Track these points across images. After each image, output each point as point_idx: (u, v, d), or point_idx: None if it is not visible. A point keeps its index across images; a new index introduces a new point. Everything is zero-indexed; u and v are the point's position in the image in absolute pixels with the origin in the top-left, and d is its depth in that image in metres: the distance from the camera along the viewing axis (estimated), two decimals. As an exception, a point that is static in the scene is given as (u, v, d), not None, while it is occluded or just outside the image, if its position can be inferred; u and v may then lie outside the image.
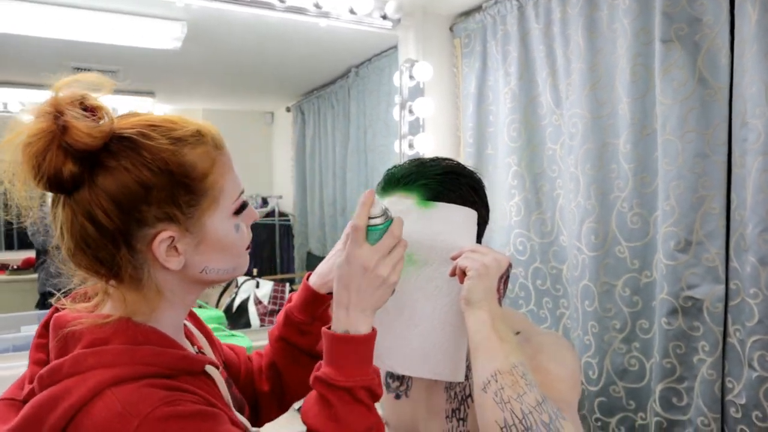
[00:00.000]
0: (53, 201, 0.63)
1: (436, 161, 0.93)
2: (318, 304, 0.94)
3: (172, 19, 2.02)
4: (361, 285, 0.72)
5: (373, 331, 0.74)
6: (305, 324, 0.93)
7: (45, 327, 0.69)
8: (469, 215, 0.88)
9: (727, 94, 1.42)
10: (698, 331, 1.47)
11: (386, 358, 0.89)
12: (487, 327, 0.76)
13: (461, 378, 0.87)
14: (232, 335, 1.79)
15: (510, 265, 0.83)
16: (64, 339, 0.63)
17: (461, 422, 0.90)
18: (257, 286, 2.28)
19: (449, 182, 0.90)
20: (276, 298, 2.24)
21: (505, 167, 2.07)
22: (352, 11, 2.03)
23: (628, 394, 1.66)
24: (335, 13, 2.00)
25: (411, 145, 2.16)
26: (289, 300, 0.99)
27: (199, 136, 0.65)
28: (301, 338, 0.94)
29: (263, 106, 3.00)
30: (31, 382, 0.63)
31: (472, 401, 0.87)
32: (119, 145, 0.60)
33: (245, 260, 0.77)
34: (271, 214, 3.05)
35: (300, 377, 0.91)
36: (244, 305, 2.21)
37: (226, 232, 0.69)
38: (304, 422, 0.70)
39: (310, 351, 0.94)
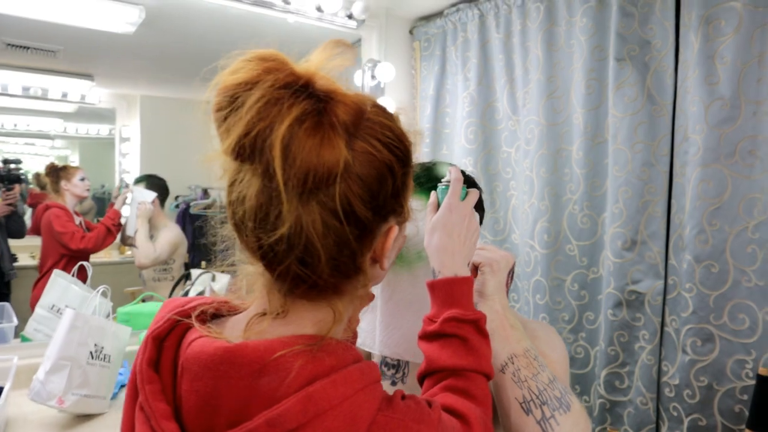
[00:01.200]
0: (280, 200, 0.49)
1: (441, 166, 1.00)
2: None
3: (131, 3, 1.97)
4: (462, 232, 0.77)
5: (472, 277, 0.76)
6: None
7: (153, 365, 0.55)
8: None
9: (671, 111, 1.60)
10: (640, 322, 1.65)
11: (396, 347, 0.96)
12: (500, 316, 0.84)
13: None
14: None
15: (514, 262, 0.92)
16: (260, 373, 0.48)
17: None
18: (213, 279, 2.27)
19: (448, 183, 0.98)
20: (232, 291, 2.24)
21: (462, 168, 2.18)
22: (319, 9, 2.06)
23: (575, 380, 1.82)
24: (303, 9, 2.03)
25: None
26: None
27: (394, 109, 0.56)
28: None
29: (204, 94, 2.96)
30: None
31: None
32: (364, 122, 0.51)
33: None
34: (213, 205, 3.02)
35: None
36: (199, 298, 2.20)
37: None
38: (440, 367, 0.68)
39: None
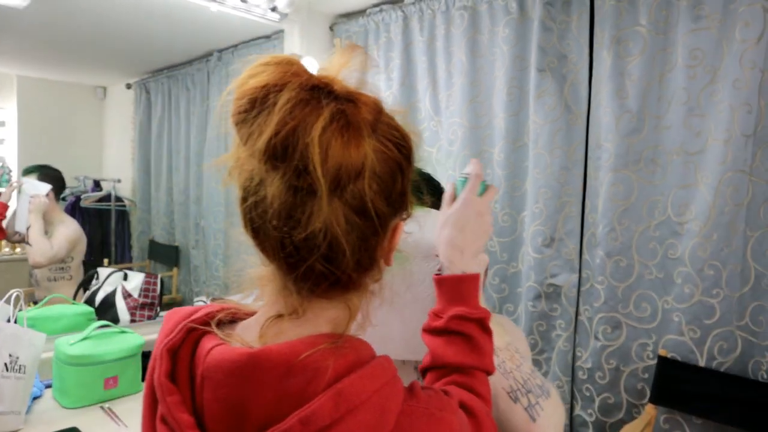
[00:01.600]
0: (312, 198, 0.49)
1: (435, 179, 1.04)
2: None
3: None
4: (474, 228, 0.77)
5: (479, 274, 0.77)
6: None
7: (170, 376, 0.54)
8: (436, 218, 1.02)
9: (585, 120, 1.76)
10: (557, 312, 1.81)
11: (374, 344, 0.99)
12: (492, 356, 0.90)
13: None
14: (123, 331, 1.67)
15: (488, 262, 0.99)
16: (288, 374, 0.49)
17: None
18: (125, 278, 2.13)
19: (427, 189, 1.03)
20: (148, 291, 2.11)
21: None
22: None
23: (495, 367, 1.95)
24: (226, -2, 1.96)
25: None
26: None
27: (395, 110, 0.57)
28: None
29: (95, 79, 2.74)
30: None
31: None
32: (378, 120, 0.52)
33: None
34: (106, 198, 2.82)
35: None
36: (110, 299, 2.05)
37: None
38: (443, 363, 0.71)
39: None
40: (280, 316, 0.53)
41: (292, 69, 0.49)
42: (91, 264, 2.37)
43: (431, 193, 1.00)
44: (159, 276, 2.20)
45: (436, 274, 0.79)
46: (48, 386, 1.63)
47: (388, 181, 0.51)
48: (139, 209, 2.84)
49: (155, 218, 2.87)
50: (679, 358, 1.60)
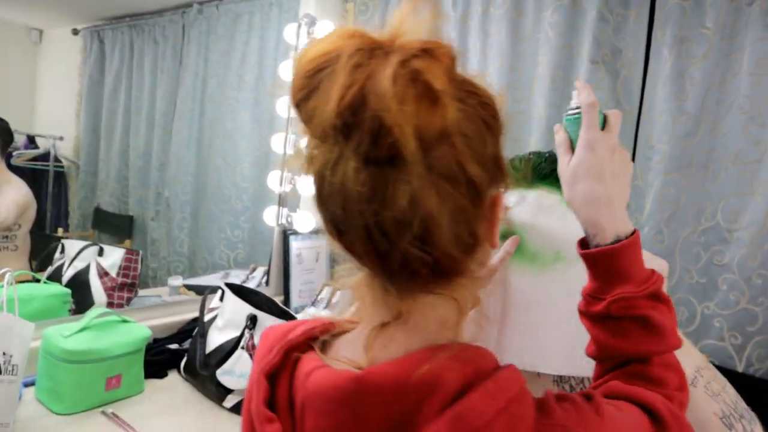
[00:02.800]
0: (383, 169, 0.42)
1: (553, 155, 0.92)
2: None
3: None
4: (615, 170, 0.62)
5: (638, 230, 0.63)
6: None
7: (267, 403, 0.49)
8: None
9: (636, 119, 1.72)
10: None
11: (526, 356, 0.87)
12: (676, 326, 0.81)
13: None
14: (124, 321, 1.39)
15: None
16: (399, 400, 0.43)
17: None
18: (100, 253, 1.81)
19: None
20: (128, 269, 1.81)
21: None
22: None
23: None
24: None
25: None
26: None
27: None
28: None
29: (29, 18, 2.32)
30: None
31: None
32: (461, 86, 0.46)
33: None
34: (43, 157, 2.42)
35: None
36: (82, 278, 1.73)
37: None
38: (613, 355, 0.60)
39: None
40: (384, 324, 0.47)
41: (350, 32, 0.44)
42: (39, 235, 2.02)
43: None
44: (140, 252, 1.90)
45: (583, 248, 0.63)
46: (27, 385, 1.33)
47: (477, 142, 0.45)
48: (82, 172, 2.46)
49: (103, 183, 2.49)
50: (716, 362, 1.62)
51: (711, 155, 1.64)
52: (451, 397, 0.42)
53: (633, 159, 1.73)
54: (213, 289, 1.51)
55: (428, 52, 0.42)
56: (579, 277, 0.86)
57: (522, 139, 1.89)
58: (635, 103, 1.72)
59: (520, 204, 0.85)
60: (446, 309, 0.48)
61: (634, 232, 0.61)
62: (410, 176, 0.41)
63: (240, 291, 1.46)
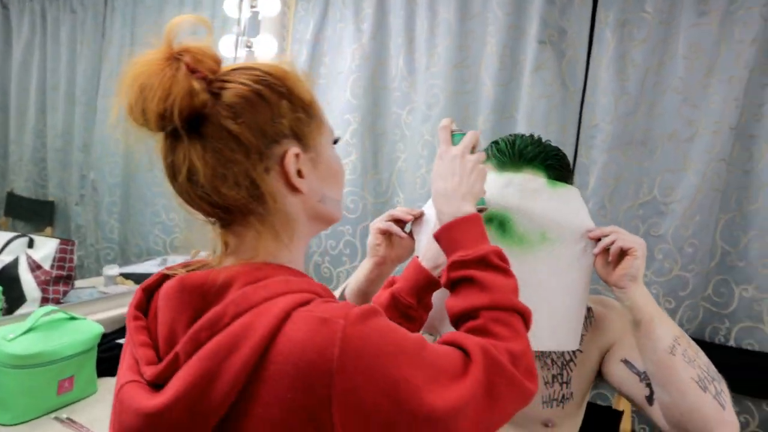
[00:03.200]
0: (170, 147, 0.58)
1: (537, 139, 0.95)
2: (430, 288, 0.87)
3: None
4: (455, 169, 0.77)
5: (478, 213, 0.75)
6: (413, 309, 0.86)
7: (139, 307, 0.63)
8: (579, 196, 0.95)
9: (580, 98, 1.80)
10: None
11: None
12: (653, 299, 0.86)
13: (577, 346, 0.95)
14: (73, 318, 1.28)
15: None
16: (206, 295, 0.57)
17: (564, 385, 0.98)
18: (30, 245, 1.65)
19: (567, 164, 0.94)
20: (63, 260, 1.66)
21: (344, 123, 2.05)
22: None
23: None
24: None
25: (248, 86, 1.90)
26: (392, 282, 0.88)
27: (296, 70, 0.65)
28: (405, 323, 0.86)
29: None
30: (149, 363, 0.57)
31: (575, 365, 0.97)
32: (232, 72, 0.60)
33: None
34: None
35: None
36: (11, 272, 1.57)
37: (335, 157, 0.69)
38: (456, 314, 0.69)
39: None
40: (220, 252, 0.63)
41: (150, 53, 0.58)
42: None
43: (563, 167, 0.92)
44: (76, 243, 1.76)
45: (435, 233, 0.77)
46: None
47: (246, 109, 0.58)
48: (-12, 154, 2.23)
49: (15, 166, 2.27)
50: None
51: (649, 134, 1.75)
52: (238, 291, 0.55)
53: (578, 138, 1.81)
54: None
55: (191, 53, 0.57)
56: (563, 256, 0.89)
57: (471, 117, 1.92)
58: (579, 84, 1.79)
59: (507, 187, 0.87)
60: (267, 240, 0.61)
61: (474, 214, 0.74)
62: (183, 143, 0.57)
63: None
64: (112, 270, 1.89)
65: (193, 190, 0.58)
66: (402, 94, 2.01)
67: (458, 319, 0.69)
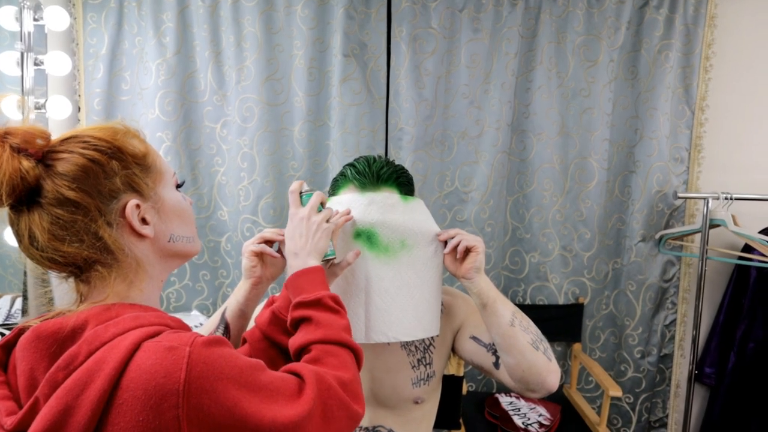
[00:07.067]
0: (14, 217, 0.64)
1: (387, 160, 1.09)
2: None
3: None
4: (302, 231, 0.89)
5: (321, 266, 0.87)
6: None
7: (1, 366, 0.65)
8: (424, 205, 1.11)
9: (385, 105, 1.98)
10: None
11: (389, 331, 1.01)
12: (493, 285, 1.05)
13: (438, 331, 1.10)
14: None
15: None
16: (61, 340, 0.60)
17: (428, 366, 1.12)
18: None
19: (411, 179, 1.10)
20: None
21: (156, 142, 1.97)
22: None
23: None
24: None
25: (40, 106, 1.72)
26: (272, 301, 0.96)
27: (125, 128, 0.71)
28: (286, 338, 0.95)
29: None
30: (10, 414, 0.58)
31: (435, 348, 1.13)
32: (64, 143, 0.65)
33: (198, 238, 0.83)
34: None
35: None
36: None
37: (178, 199, 0.76)
38: (295, 348, 0.78)
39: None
40: (77, 302, 0.68)
41: None
42: None
43: (409, 182, 1.08)
44: None
45: (285, 282, 0.89)
46: None
47: (79, 175, 0.64)
48: None
49: None
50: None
51: (445, 133, 2.01)
52: (90, 331, 0.59)
53: (386, 140, 2.00)
54: None
55: (19, 135, 0.61)
56: (420, 258, 1.04)
57: (287, 128, 1.99)
58: (383, 92, 1.98)
59: (370, 205, 0.99)
60: (118, 285, 0.66)
61: (317, 266, 0.87)
62: (23, 213, 0.62)
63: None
64: None
65: (37, 253, 0.63)
66: (214, 108, 2.00)
67: (297, 353, 0.77)
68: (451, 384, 1.28)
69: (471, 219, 2.02)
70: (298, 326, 0.80)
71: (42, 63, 1.71)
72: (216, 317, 1.03)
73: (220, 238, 2.08)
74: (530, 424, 1.78)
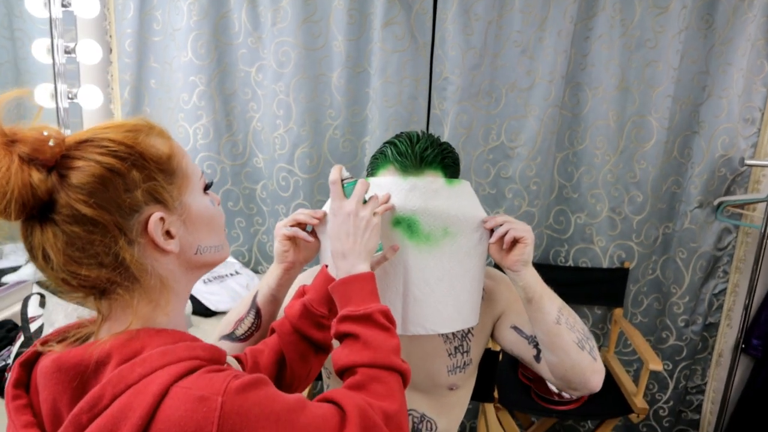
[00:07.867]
0: (26, 231, 0.58)
1: (431, 138, 1.00)
2: None
3: None
4: (350, 229, 0.82)
5: (372, 271, 0.82)
6: (325, 318, 0.90)
7: (19, 385, 0.62)
8: (470, 188, 1.03)
9: (429, 52, 1.85)
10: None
11: (427, 323, 0.97)
12: (540, 279, 0.98)
13: (477, 321, 1.05)
14: None
15: None
16: (83, 374, 0.56)
17: (465, 354, 1.08)
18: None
19: (457, 158, 1.01)
20: None
21: (190, 86, 1.90)
22: None
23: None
24: None
25: (71, 50, 1.66)
26: (303, 292, 0.91)
27: (148, 126, 0.64)
28: (317, 332, 0.91)
29: None
30: None
31: (473, 336, 1.08)
32: (79, 146, 0.58)
33: (227, 242, 0.75)
34: None
35: (306, 374, 0.90)
36: None
37: (206, 206, 0.69)
38: (339, 368, 0.73)
39: (323, 345, 0.92)
40: (98, 321, 0.63)
41: None
42: None
43: (455, 163, 0.99)
44: None
45: (330, 287, 0.83)
46: None
47: (97, 187, 0.57)
48: None
49: None
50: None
51: (493, 84, 1.88)
52: (115, 368, 0.55)
53: (430, 91, 1.88)
54: (27, 297, 1.27)
55: (28, 143, 0.54)
56: (463, 246, 0.97)
57: (324, 74, 1.89)
58: (428, 38, 1.84)
59: (412, 191, 0.91)
60: (142, 306, 0.61)
61: (368, 273, 0.80)
62: (37, 229, 0.56)
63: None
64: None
65: (52, 273, 0.58)
66: (249, 51, 1.90)
67: (341, 372, 0.73)
68: (486, 358, 1.24)
69: (516, 176, 1.92)
70: (343, 340, 0.76)
71: (70, 4, 1.63)
72: (247, 300, 1.00)
73: (256, 185, 2.04)
74: (564, 391, 1.76)
